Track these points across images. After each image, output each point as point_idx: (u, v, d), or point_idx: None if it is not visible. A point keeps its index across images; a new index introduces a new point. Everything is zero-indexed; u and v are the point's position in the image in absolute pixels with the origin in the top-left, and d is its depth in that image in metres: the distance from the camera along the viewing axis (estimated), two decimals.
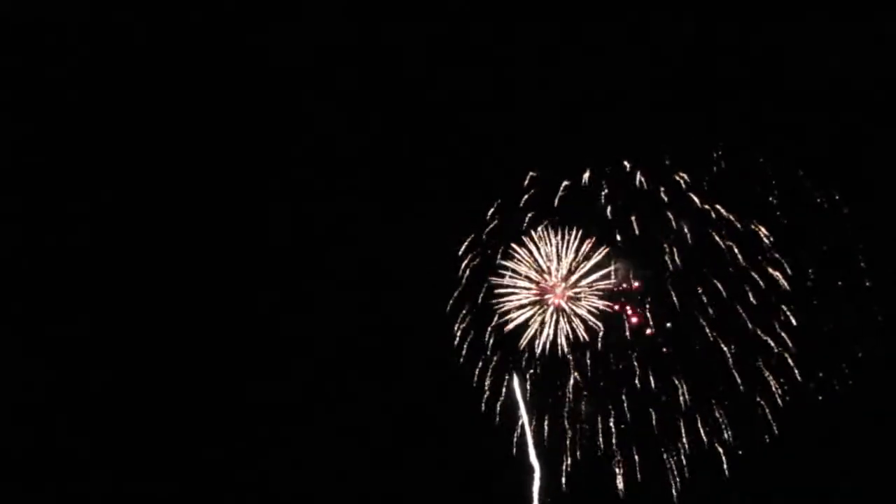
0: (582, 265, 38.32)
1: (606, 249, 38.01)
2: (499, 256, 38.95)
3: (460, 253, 39.03)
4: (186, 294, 40.38)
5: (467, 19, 39.73)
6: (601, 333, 37.94)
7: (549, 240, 38.66)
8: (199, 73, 40.41)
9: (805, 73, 38.08)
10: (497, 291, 38.98)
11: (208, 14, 39.62)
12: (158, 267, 40.48)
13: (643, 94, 38.78)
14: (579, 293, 38.32)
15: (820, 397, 36.36)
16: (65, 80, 39.19)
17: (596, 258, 38.17)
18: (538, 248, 38.79)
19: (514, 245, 39.04)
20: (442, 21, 39.81)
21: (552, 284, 38.61)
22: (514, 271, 39.06)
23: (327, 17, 40.07)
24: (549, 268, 38.62)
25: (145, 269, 40.44)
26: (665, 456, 37.29)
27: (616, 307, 38.26)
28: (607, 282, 38.23)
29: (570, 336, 38.21)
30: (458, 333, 38.83)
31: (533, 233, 38.82)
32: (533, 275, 38.81)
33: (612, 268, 38.09)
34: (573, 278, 38.40)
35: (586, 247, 38.17)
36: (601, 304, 38.32)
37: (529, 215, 38.54)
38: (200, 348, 39.99)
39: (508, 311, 38.83)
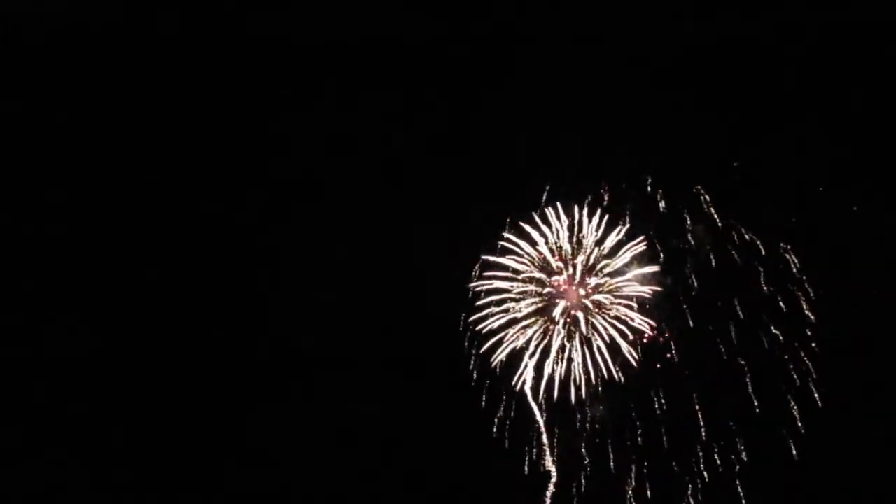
0: (603, 263, 33.64)
1: (641, 242, 33.51)
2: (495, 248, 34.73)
3: (477, 266, 35.89)
4: (194, 301, 39.79)
5: (469, 24, 38.45)
6: (621, 361, 34.45)
7: (560, 227, 34.03)
8: (197, 71, 39.59)
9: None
10: (496, 299, 34.57)
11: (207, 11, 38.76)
12: (160, 267, 39.83)
13: (657, 105, 37.32)
14: (599, 301, 33.71)
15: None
16: (60, 78, 38.69)
17: (622, 258, 33.44)
18: (546, 239, 34.27)
19: (511, 237, 34.75)
20: (442, 21, 38.61)
21: (564, 288, 33.90)
22: (514, 271, 34.67)
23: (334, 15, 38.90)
24: (560, 267, 34.03)
25: (145, 268, 39.79)
26: (677, 470, 36.22)
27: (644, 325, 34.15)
28: (636, 290, 33.52)
29: (590, 364, 34.45)
30: (472, 352, 35.96)
31: (536, 218, 34.42)
32: (540, 274, 34.29)
33: (632, 272, 33.99)
34: (593, 280, 33.83)
35: (613, 237, 33.51)
36: (631, 317, 33.85)
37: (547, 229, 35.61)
38: (207, 363, 39.45)
39: (506, 327, 34.50)
